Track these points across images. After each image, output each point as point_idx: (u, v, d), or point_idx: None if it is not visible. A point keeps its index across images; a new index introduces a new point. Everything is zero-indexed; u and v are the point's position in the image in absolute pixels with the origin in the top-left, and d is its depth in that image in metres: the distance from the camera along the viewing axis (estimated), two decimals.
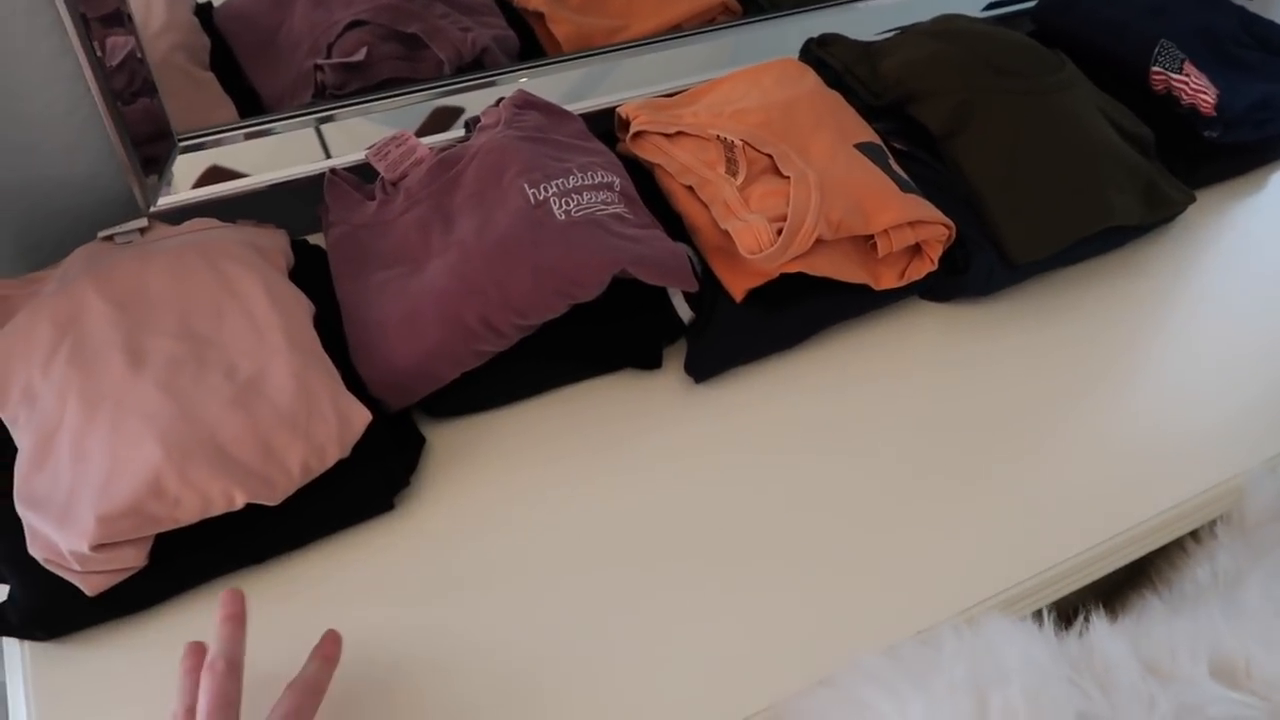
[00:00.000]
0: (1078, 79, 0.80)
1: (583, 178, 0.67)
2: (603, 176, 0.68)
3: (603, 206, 0.65)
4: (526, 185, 0.64)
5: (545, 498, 0.61)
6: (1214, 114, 0.80)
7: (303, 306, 0.61)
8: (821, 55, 0.86)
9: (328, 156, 0.79)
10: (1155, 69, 0.83)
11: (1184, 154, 0.83)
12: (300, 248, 0.71)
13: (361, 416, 0.56)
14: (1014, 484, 0.63)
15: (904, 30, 0.87)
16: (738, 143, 0.70)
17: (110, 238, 0.66)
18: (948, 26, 0.84)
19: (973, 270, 0.72)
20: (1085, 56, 0.86)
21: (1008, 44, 0.80)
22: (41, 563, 0.51)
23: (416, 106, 0.82)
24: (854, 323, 0.73)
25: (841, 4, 0.95)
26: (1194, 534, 0.63)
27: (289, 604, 0.55)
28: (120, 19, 0.65)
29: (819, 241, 0.66)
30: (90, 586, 0.51)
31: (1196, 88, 0.81)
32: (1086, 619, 0.43)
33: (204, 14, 0.80)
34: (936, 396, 0.68)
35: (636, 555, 0.58)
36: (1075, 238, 0.73)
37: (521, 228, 0.62)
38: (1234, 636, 0.41)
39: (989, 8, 1.01)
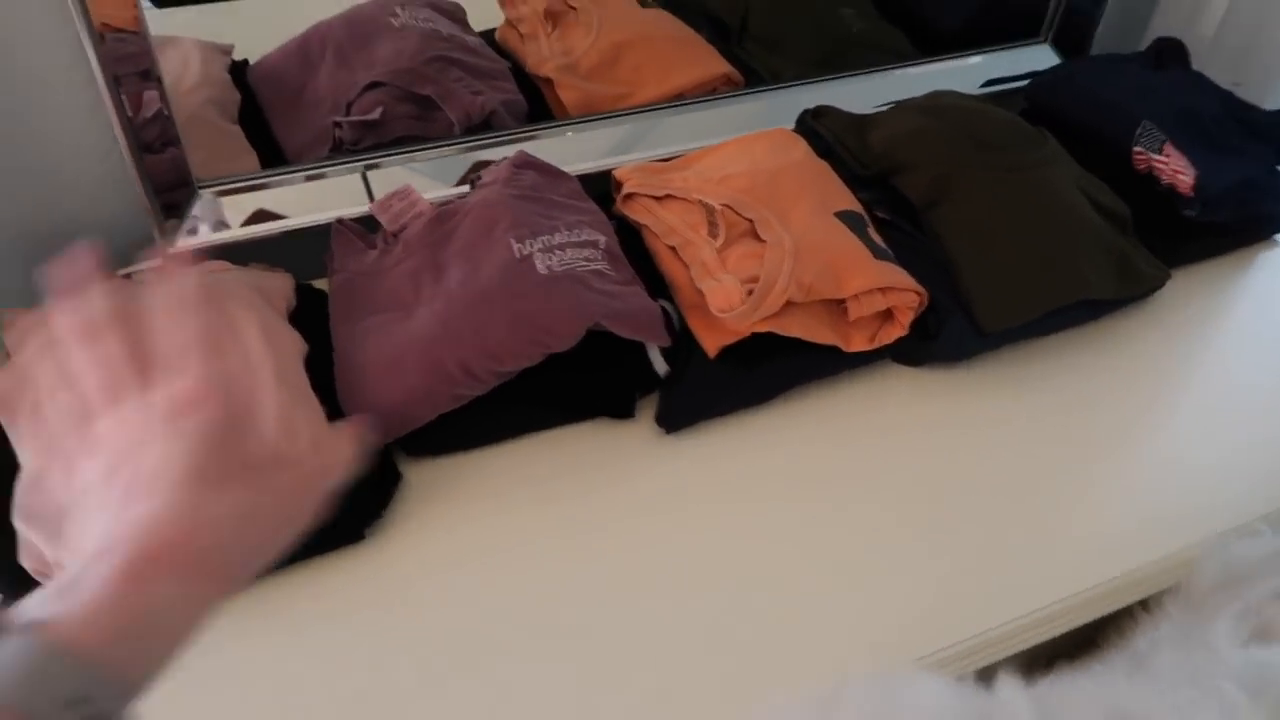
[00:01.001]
0: (1059, 156, 0.83)
1: (569, 235, 0.70)
2: (589, 235, 0.72)
3: (585, 263, 0.69)
4: (514, 240, 0.68)
5: (514, 538, 0.64)
6: (1192, 194, 0.82)
7: (295, 347, 0.64)
8: (815, 126, 0.89)
9: (365, 201, 0.84)
10: (1137, 149, 0.86)
11: (1164, 232, 0.85)
12: (305, 291, 0.75)
13: None
14: (964, 545, 0.64)
15: (897, 105, 0.91)
16: (718, 207, 0.74)
17: (129, 275, 0.71)
18: (937, 102, 0.88)
19: (943, 336, 0.74)
20: (1072, 134, 0.89)
21: (992, 120, 0.83)
22: (31, 573, 0.55)
23: (431, 163, 0.87)
24: (825, 382, 0.75)
25: (839, 78, 1.00)
26: (1144, 603, 0.64)
27: (256, 623, 0.58)
28: (149, 77, 0.71)
29: (790, 303, 0.70)
30: None
31: (1176, 168, 0.83)
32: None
33: (239, 71, 0.86)
34: (900, 458, 0.70)
35: (596, 600, 0.61)
36: (1047, 309, 0.75)
37: (504, 279, 0.66)
38: (1136, 699, 0.43)
39: (986, 84, 1.04)
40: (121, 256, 0.77)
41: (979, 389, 0.76)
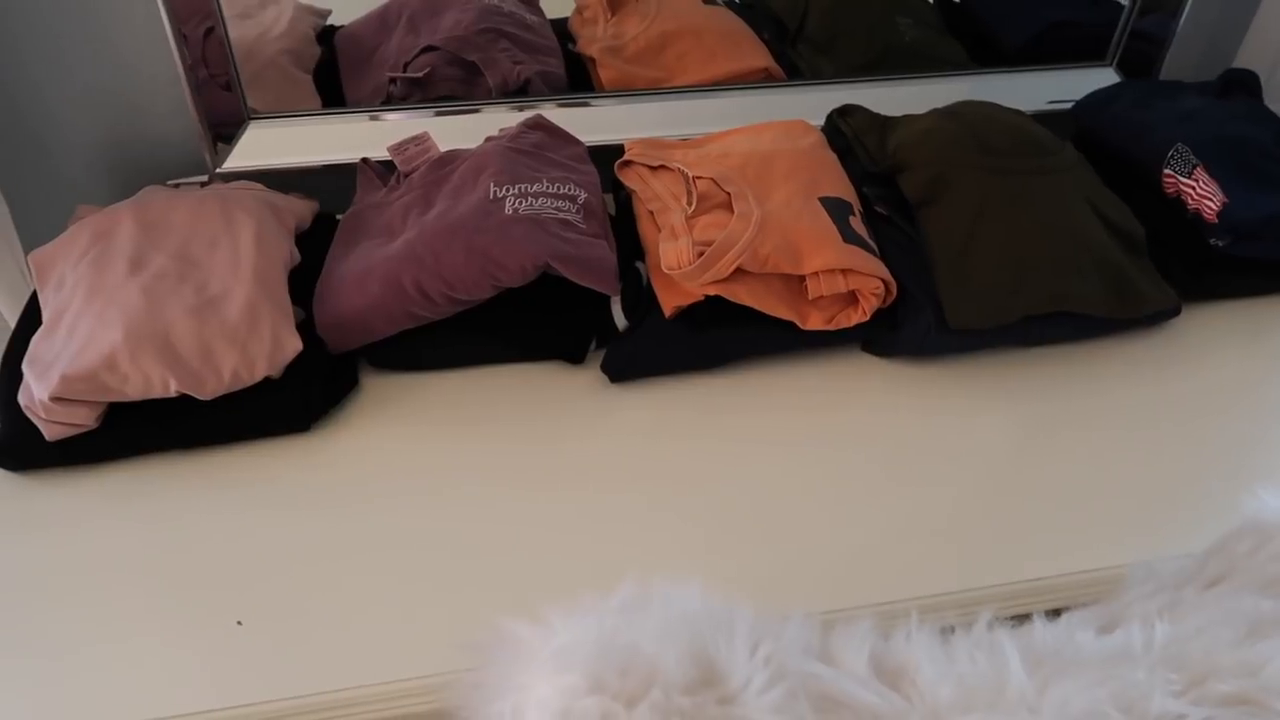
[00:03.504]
0: (1071, 166, 0.80)
1: (549, 186, 0.75)
2: (570, 189, 0.76)
3: (554, 211, 0.73)
4: (493, 184, 0.74)
5: (446, 456, 0.69)
6: (1216, 220, 0.78)
7: (283, 255, 0.72)
8: (839, 123, 0.90)
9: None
10: (1167, 171, 0.82)
11: (1191, 261, 0.81)
12: (325, 219, 0.83)
13: (293, 345, 0.67)
14: (864, 519, 0.64)
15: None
16: (693, 176, 0.77)
17: (177, 185, 0.82)
18: (961, 108, 0.87)
19: (906, 328, 0.74)
20: (1109, 155, 0.86)
21: (1006, 125, 0.82)
22: (23, 409, 0.64)
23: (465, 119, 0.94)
24: (793, 361, 0.76)
25: (884, 80, 1.00)
26: (1057, 612, 0.61)
27: (204, 486, 0.66)
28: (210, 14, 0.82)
29: (744, 272, 0.71)
30: (50, 433, 0.64)
31: (1203, 193, 0.79)
32: None
33: (330, 33, 0.97)
34: (843, 438, 0.70)
35: (505, 524, 0.64)
36: (1020, 314, 0.74)
37: (470, 215, 0.71)
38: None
39: (1050, 104, 1.02)
40: (178, 169, 0.88)
41: (945, 389, 0.75)
